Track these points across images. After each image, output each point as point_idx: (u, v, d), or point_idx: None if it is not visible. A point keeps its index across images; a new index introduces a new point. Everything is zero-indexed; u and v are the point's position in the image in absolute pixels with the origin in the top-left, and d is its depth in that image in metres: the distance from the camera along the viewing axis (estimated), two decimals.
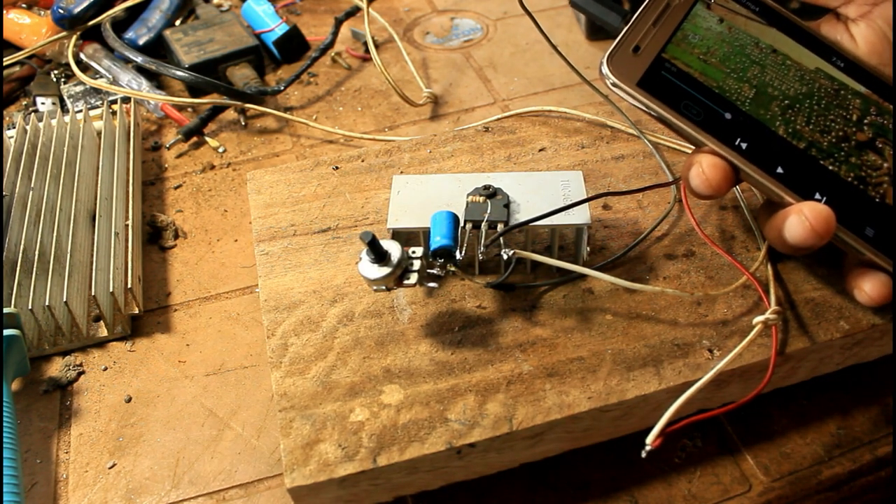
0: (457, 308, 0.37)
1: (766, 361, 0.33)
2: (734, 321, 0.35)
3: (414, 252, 0.33)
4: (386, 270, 0.32)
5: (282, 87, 0.61)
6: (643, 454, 0.29)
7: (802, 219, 0.31)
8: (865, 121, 0.34)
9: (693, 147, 0.34)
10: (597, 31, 0.67)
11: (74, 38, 0.64)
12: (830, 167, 0.33)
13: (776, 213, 0.33)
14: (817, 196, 0.33)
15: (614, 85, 0.33)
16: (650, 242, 0.40)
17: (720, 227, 0.40)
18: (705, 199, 0.34)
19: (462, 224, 0.36)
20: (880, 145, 0.33)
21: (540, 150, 0.46)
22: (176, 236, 0.50)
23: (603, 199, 0.42)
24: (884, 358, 0.38)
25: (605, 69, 0.33)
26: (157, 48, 0.67)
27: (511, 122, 0.49)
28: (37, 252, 0.43)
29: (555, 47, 0.49)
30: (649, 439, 0.29)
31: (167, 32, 0.66)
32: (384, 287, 0.33)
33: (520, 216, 0.36)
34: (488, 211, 0.36)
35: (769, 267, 0.37)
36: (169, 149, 0.58)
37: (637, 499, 0.35)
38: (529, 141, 0.47)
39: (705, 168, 0.33)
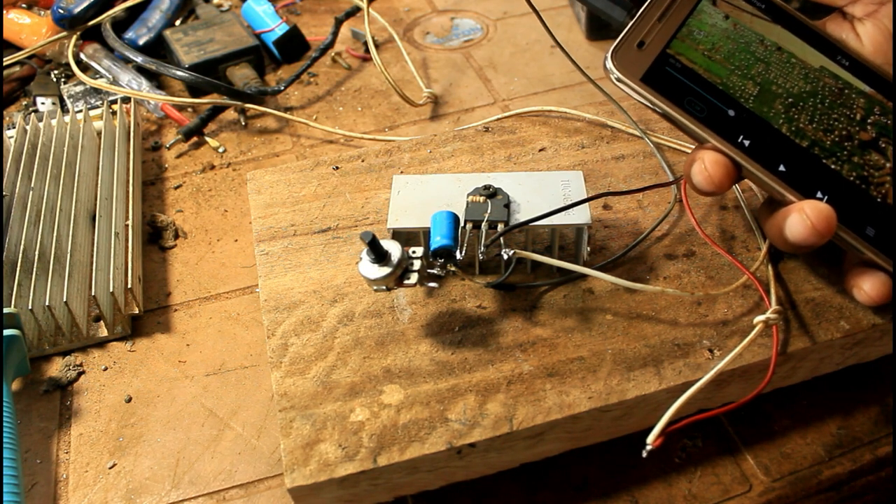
0: (457, 308, 0.37)
1: (767, 361, 0.33)
2: (735, 321, 0.35)
3: (414, 252, 0.33)
4: (386, 270, 0.32)
5: (282, 87, 0.61)
6: (644, 454, 0.29)
7: (804, 217, 0.31)
8: (869, 120, 0.34)
9: (695, 143, 0.34)
10: (597, 31, 0.67)
11: (74, 38, 0.64)
12: (833, 166, 0.33)
13: (777, 211, 0.33)
14: (819, 195, 0.32)
15: (618, 80, 0.33)
16: (650, 242, 0.40)
17: (720, 227, 0.40)
18: (707, 195, 0.34)
19: (462, 224, 0.36)
20: (883, 145, 0.33)
21: (540, 150, 0.46)
22: (176, 236, 0.50)
23: (603, 199, 0.42)
24: (884, 358, 0.38)
25: (610, 64, 0.33)
26: (157, 48, 0.67)
27: (511, 122, 0.49)
28: (37, 252, 0.43)
29: (559, 44, 0.49)
30: (650, 439, 0.29)
31: (167, 32, 0.66)
32: (384, 287, 0.33)
33: (520, 216, 0.36)
34: (488, 211, 0.36)
35: (769, 267, 0.37)
36: (169, 149, 0.58)
37: (637, 499, 0.35)
38: (529, 141, 0.47)
39: (707, 164, 0.33)
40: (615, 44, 0.33)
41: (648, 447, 0.29)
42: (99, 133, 0.55)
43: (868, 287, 0.33)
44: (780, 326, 0.35)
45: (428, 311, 0.37)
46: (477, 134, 0.48)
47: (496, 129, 0.48)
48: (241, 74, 0.62)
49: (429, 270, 0.34)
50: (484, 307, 0.37)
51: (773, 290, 0.36)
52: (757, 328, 0.34)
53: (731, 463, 0.36)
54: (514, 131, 0.48)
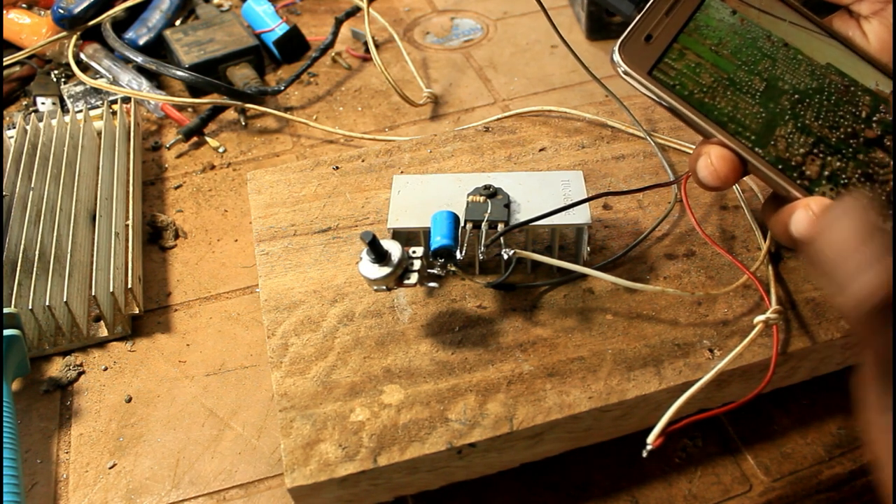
0: (457, 308, 0.37)
1: (767, 361, 0.33)
2: (735, 321, 0.35)
3: (414, 252, 0.33)
4: (386, 270, 0.32)
5: (282, 87, 0.61)
6: (644, 454, 0.29)
7: (810, 213, 0.31)
8: (874, 118, 0.34)
9: (700, 138, 0.34)
10: (597, 31, 0.67)
11: (74, 38, 0.64)
12: (838, 163, 0.33)
13: (782, 208, 0.33)
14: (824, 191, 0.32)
15: (625, 73, 0.33)
16: (651, 242, 0.40)
17: (720, 227, 0.40)
18: (712, 190, 0.34)
19: (462, 224, 0.36)
20: (888, 143, 0.33)
21: (540, 150, 0.46)
22: (176, 236, 0.50)
23: (603, 199, 0.42)
24: None
25: (617, 57, 0.33)
26: (157, 48, 0.67)
27: (511, 122, 0.49)
28: (37, 252, 0.43)
29: (565, 41, 0.49)
30: (650, 439, 0.29)
31: (167, 32, 0.66)
32: (384, 287, 0.33)
33: (520, 216, 0.36)
34: (489, 211, 0.36)
35: (770, 266, 0.37)
36: (169, 149, 0.58)
37: (637, 499, 0.35)
38: (530, 141, 0.47)
39: (713, 159, 0.32)
40: (623, 37, 0.33)
41: (649, 447, 0.29)
42: (99, 133, 0.55)
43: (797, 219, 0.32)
44: (781, 326, 0.35)
45: (428, 311, 0.37)
46: (477, 134, 0.48)
47: (496, 129, 0.48)
48: (241, 74, 0.62)
49: (429, 270, 0.34)
50: (484, 307, 0.37)
51: (773, 290, 0.36)
52: (757, 328, 0.34)
53: (732, 463, 0.36)
54: (515, 131, 0.48)
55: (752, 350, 0.34)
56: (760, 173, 0.33)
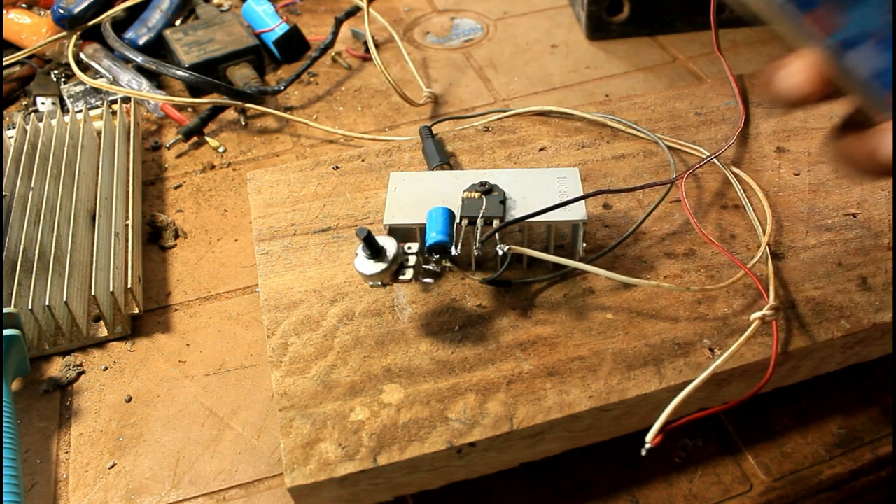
0: (457, 307, 0.37)
1: (767, 360, 0.33)
2: (735, 320, 0.35)
3: (410, 248, 0.33)
4: (381, 266, 0.32)
5: (282, 87, 0.61)
6: (643, 452, 0.29)
7: None
8: None
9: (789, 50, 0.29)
10: (597, 31, 0.67)
11: (74, 38, 0.64)
12: None
13: (866, 131, 0.27)
14: None
15: None
16: (651, 242, 0.40)
17: (720, 226, 0.40)
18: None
19: (458, 220, 0.36)
20: None
21: (540, 150, 0.46)
22: (176, 236, 0.50)
23: (604, 199, 0.42)
24: (884, 357, 0.38)
25: None
26: (157, 48, 0.67)
27: (511, 122, 0.49)
28: (37, 252, 0.43)
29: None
30: (649, 437, 0.29)
31: (167, 32, 0.66)
32: (380, 283, 0.33)
33: (516, 212, 0.36)
34: (484, 207, 0.36)
35: (769, 265, 0.37)
36: (169, 149, 0.58)
37: (638, 498, 0.35)
38: (530, 140, 0.47)
39: (804, 67, 0.27)
40: None
41: (648, 445, 0.29)
42: (99, 133, 0.55)
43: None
44: (781, 326, 0.35)
45: (428, 311, 0.37)
46: (477, 133, 0.48)
47: (496, 128, 0.48)
48: (241, 74, 0.62)
49: (424, 266, 0.34)
50: (484, 306, 0.37)
51: (772, 287, 0.36)
52: (754, 325, 0.34)
53: (732, 462, 0.36)
54: (515, 131, 0.48)
55: (752, 349, 0.34)
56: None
